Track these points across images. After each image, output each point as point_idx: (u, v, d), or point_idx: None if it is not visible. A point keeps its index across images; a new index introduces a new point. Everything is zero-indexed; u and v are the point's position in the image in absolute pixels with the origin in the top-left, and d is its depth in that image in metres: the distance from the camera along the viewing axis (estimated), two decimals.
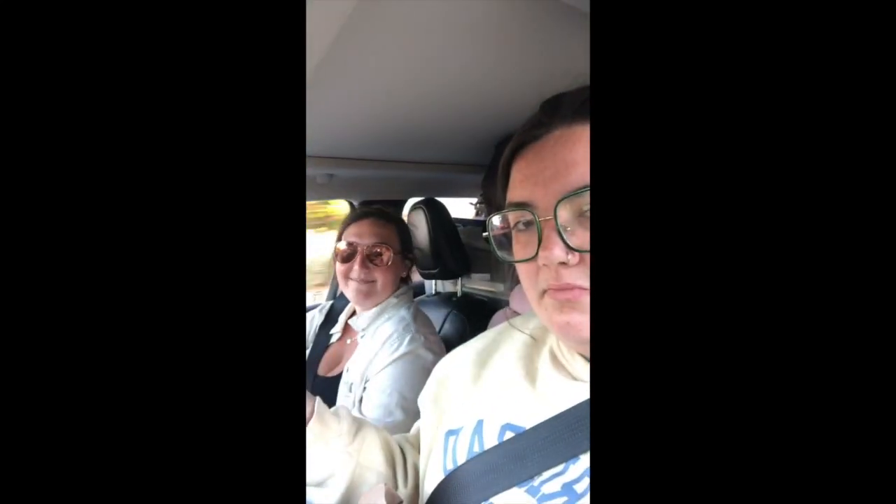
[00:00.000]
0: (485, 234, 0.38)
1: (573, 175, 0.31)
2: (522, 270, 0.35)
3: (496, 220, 0.37)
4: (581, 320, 0.32)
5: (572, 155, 0.31)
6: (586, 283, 0.31)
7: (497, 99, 0.56)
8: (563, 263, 0.31)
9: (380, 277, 0.79)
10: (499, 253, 0.37)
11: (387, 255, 0.80)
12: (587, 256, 0.31)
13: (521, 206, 0.34)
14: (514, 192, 0.35)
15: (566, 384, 0.36)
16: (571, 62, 0.45)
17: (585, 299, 0.31)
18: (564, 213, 0.31)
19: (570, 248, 0.31)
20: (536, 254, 0.32)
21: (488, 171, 0.80)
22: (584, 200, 0.31)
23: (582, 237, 0.31)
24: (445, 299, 1.22)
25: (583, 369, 0.35)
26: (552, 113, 0.34)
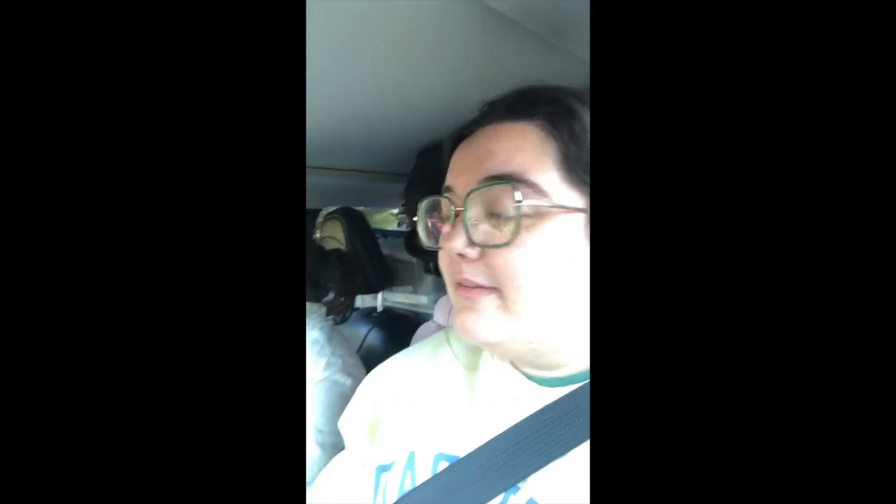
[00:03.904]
0: (414, 218, 0.37)
1: (488, 163, 0.30)
2: (441, 259, 0.34)
3: (427, 204, 0.36)
4: (474, 321, 0.31)
5: (494, 145, 0.31)
6: (485, 280, 0.30)
7: (420, 104, 0.53)
8: (462, 256, 0.30)
9: None
10: (426, 241, 0.36)
11: None
12: (491, 255, 0.30)
13: (448, 189, 0.33)
14: (447, 178, 0.34)
15: (506, 404, 0.33)
16: (498, 69, 0.43)
17: (483, 300, 0.31)
18: (475, 207, 0.31)
19: (471, 242, 0.30)
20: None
21: (410, 179, 0.77)
22: (496, 197, 0.30)
23: (484, 231, 0.30)
24: (365, 315, 1.15)
25: (523, 388, 0.33)
26: (489, 111, 0.34)
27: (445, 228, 0.33)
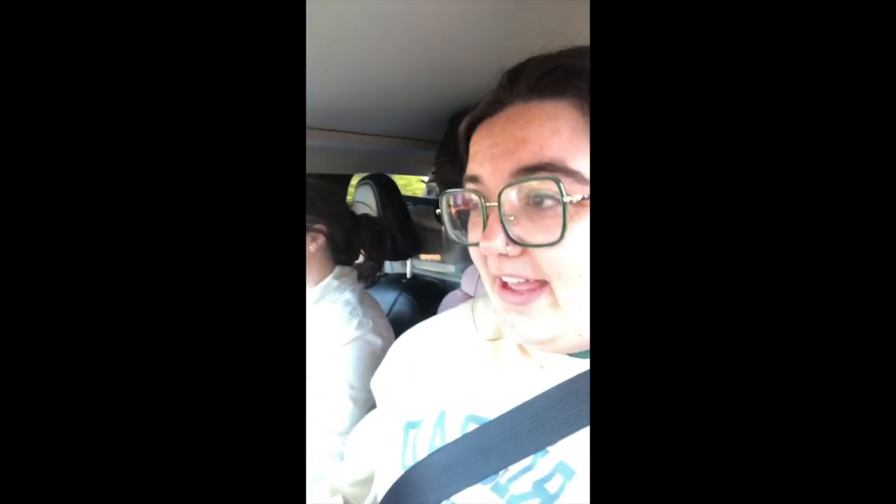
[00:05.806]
0: (437, 210, 0.35)
1: (522, 152, 0.28)
2: (474, 253, 0.33)
3: (454, 195, 0.34)
4: (527, 324, 0.30)
5: (523, 132, 0.29)
6: (531, 274, 0.30)
7: (453, 68, 0.52)
8: (504, 255, 0.30)
9: None
10: (452, 232, 0.35)
11: None
12: (535, 251, 0.29)
13: (474, 179, 0.31)
14: (470, 167, 0.32)
15: (533, 372, 0.34)
16: (535, 32, 0.42)
17: (534, 303, 0.30)
18: (509, 200, 0.29)
19: (510, 240, 0.29)
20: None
21: (441, 146, 0.76)
22: (535, 190, 0.28)
23: (524, 227, 0.29)
24: (394, 281, 1.18)
25: (549, 358, 0.33)
26: (509, 88, 0.31)
27: (477, 225, 0.31)
